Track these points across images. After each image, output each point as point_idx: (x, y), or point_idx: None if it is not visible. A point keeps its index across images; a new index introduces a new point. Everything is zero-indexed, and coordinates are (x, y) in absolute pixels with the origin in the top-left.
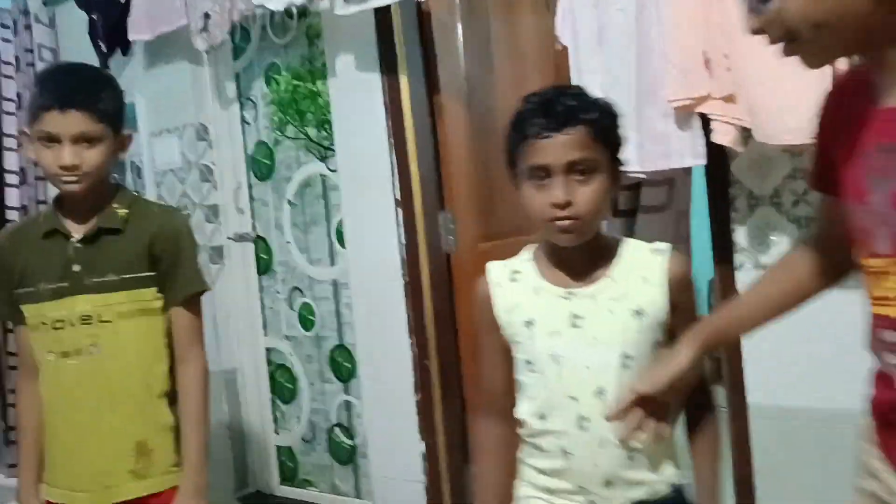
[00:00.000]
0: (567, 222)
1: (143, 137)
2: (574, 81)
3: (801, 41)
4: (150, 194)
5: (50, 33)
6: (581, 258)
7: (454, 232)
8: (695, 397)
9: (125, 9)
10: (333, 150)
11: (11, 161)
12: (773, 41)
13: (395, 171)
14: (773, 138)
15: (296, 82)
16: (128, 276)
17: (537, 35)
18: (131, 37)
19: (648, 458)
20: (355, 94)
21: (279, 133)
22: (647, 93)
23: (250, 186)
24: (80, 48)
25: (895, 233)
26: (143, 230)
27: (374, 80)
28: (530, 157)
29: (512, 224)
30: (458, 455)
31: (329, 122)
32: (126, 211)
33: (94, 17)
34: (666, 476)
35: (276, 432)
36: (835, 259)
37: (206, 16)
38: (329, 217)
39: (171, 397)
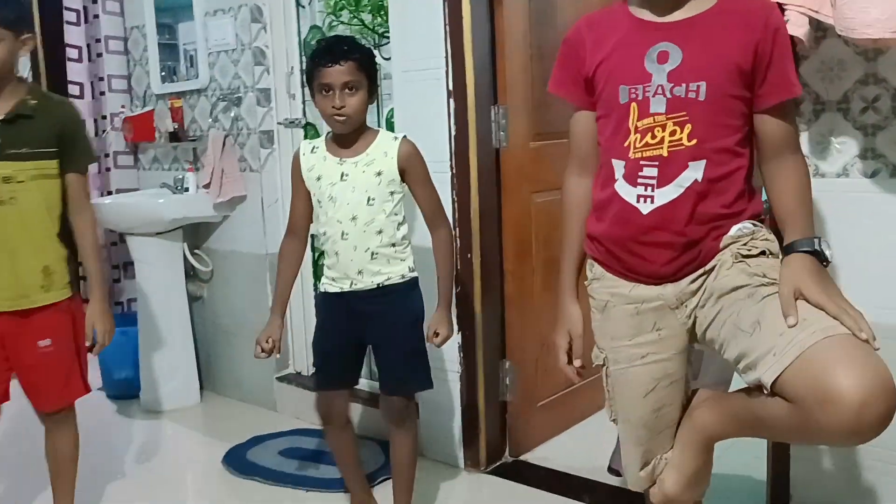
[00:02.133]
0: (342, 118)
1: (198, 16)
2: None
3: None
4: (203, 74)
5: None
6: (350, 140)
7: (506, 127)
8: None
9: None
10: (387, 38)
11: None
12: None
13: (450, 61)
14: (853, 31)
15: None
16: (37, 150)
17: None
18: None
19: (386, 259)
20: None
21: (334, 18)
22: None
23: (302, 72)
24: None
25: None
26: (51, 116)
27: None
28: (320, 78)
29: (565, 124)
30: (495, 349)
31: (385, 8)
32: (35, 102)
33: None
34: (397, 270)
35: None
36: (591, 167)
37: None
38: (380, 106)
39: (64, 236)
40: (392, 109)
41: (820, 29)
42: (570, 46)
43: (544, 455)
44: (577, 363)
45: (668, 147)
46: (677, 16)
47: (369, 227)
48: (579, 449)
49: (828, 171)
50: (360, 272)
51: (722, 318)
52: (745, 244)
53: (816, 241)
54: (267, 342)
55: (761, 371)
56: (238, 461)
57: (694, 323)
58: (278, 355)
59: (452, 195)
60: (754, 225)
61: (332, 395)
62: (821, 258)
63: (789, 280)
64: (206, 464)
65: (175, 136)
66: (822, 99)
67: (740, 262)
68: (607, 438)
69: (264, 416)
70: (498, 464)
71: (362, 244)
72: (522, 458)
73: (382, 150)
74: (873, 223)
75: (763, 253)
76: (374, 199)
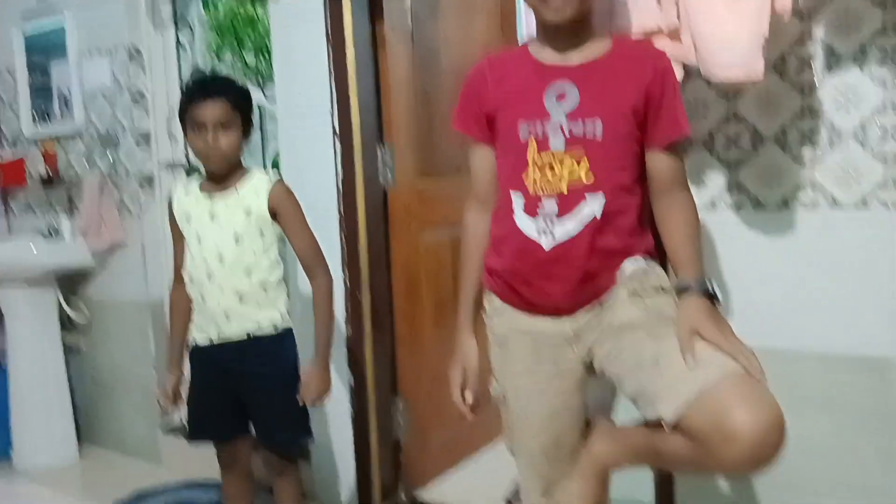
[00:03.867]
0: (214, 156)
1: (72, 56)
2: (521, 15)
3: None
4: (78, 116)
5: None
6: (223, 179)
7: (392, 167)
8: None
9: None
10: (272, 79)
11: None
12: None
13: (335, 102)
14: (713, 75)
15: (234, 7)
16: None
17: None
18: None
19: (256, 303)
20: (296, 21)
21: (216, 58)
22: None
23: None
24: None
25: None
26: None
27: (316, 7)
28: (193, 116)
29: (452, 162)
30: (387, 388)
31: (268, 50)
32: None
33: None
34: (269, 316)
35: None
36: (491, 203)
37: None
38: (265, 147)
39: None
40: (278, 151)
41: (687, 73)
42: (471, 85)
43: (439, 490)
44: (468, 397)
45: (568, 183)
46: (575, 59)
47: (236, 266)
48: (474, 482)
49: (698, 203)
50: (227, 316)
51: (619, 354)
52: (640, 281)
53: (709, 283)
54: (163, 397)
55: (661, 408)
56: None
57: (591, 356)
58: (180, 405)
59: (341, 235)
60: (647, 261)
61: (234, 443)
62: (713, 299)
63: (687, 321)
64: None
65: (48, 181)
66: (690, 137)
67: (636, 297)
68: (502, 471)
69: (149, 470)
70: (392, 503)
71: (229, 285)
72: (417, 494)
73: (254, 190)
74: (741, 253)
75: (657, 289)
76: (242, 238)
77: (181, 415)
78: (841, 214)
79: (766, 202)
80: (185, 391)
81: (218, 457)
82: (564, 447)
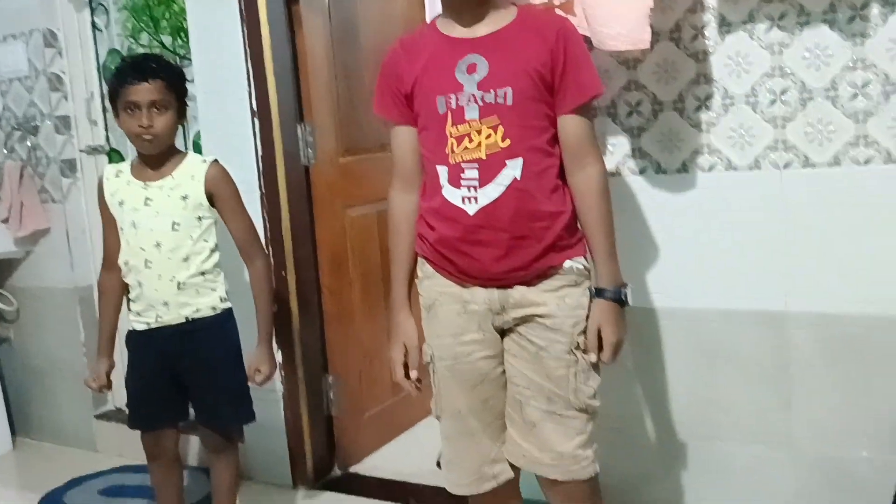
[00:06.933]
0: (149, 138)
1: None
2: None
3: None
4: None
5: None
6: (156, 163)
7: (313, 145)
8: None
9: None
10: (189, 60)
11: None
12: None
13: (252, 81)
14: (603, 44)
15: None
16: None
17: None
18: None
19: (195, 290)
20: (211, 1)
21: (133, 41)
22: None
23: (103, 97)
24: None
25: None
26: None
27: None
28: (126, 96)
29: (374, 139)
30: (317, 365)
31: (184, 30)
32: None
33: None
34: (207, 301)
35: None
36: (415, 182)
37: None
38: (185, 128)
39: None
40: (199, 132)
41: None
42: (387, 68)
43: (374, 465)
44: (413, 375)
45: (486, 150)
46: (481, 31)
47: (175, 254)
48: (409, 456)
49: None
50: (165, 304)
51: (526, 368)
52: (571, 299)
53: (622, 290)
54: (93, 382)
55: (540, 467)
56: None
57: (502, 336)
58: (110, 391)
59: (263, 214)
60: (585, 267)
61: (160, 433)
62: (622, 303)
63: (596, 320)
64: None
65: None
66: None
67: (567, 319)
68: (436, 443)
69: (84, 457)
70: (327, 478)
71: (167, 273)
72: (352, 469)
73: (189, 174)
74: (646, 217)
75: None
76: (179, 225)
77: (115, 400)
78: (736, 176)
79: (667, 167)
80: (116, 377)
81: (144, 446)
82: (495, 408)
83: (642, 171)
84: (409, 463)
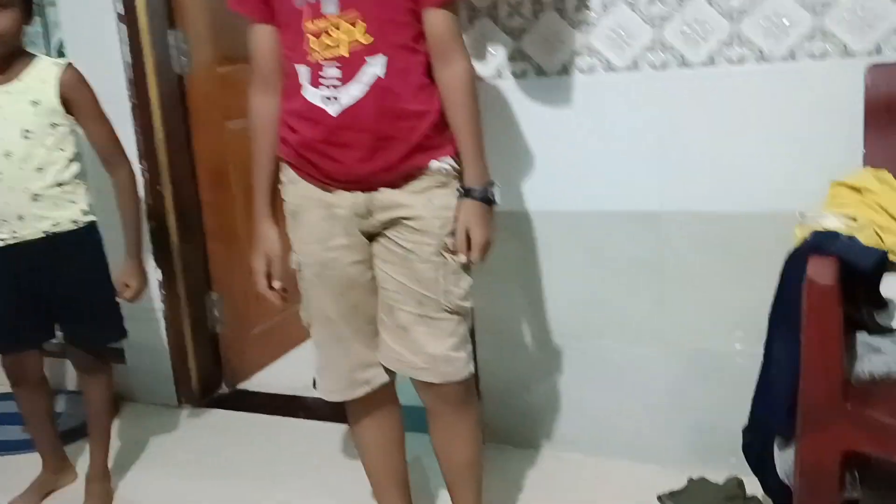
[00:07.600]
0: None
1: None
2: None
3: None
4: None
5: None
6: (2, 66)
7: (188, 52)
8: None
9: None
10: None
11: None
12: None
13: None
14: None
15: None
16: None
17: None
18: None
19: (52, 203)
20: None
21: None
22: None
23: None
24: None
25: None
26: None
27: None
28: None
29: None
30: (200, 282)
31: None
32: None
33: None
34: (67, 214)
35: None
36: (275, 83)
37: None
38: (48, 36)
39: None
40: (61, 39)
41: None
42: None
43: (263, 381)
44: (276, 285)
45: (348, 47)
46: None
47: (27, 164)
48: (298, 372)
49: (484, 73)
50: (20, 217)
51: (395, 272)
52: (438, 200)
53: (489, 189)
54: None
55: (414, 370)
56: None
57: (371, 240)
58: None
59: (135, 126)
60: (453, 167)
61: (22, 355)
62: (490, 202)
63: (463, 221)
64: None
65: None
66: (475, 6)
67: (435, 220)
68: None
69: None
70: (214, 396)
71: (20, 185)
72: (240, 386)
73: (40, 78)
74: (526, 120)
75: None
76: (31, 133)
77: None
78: (615, 77)
79: (548, 69)
80: None
81: (6, 371)
82: (366, 313)
83: (523, 75)
84: (299, 379)
